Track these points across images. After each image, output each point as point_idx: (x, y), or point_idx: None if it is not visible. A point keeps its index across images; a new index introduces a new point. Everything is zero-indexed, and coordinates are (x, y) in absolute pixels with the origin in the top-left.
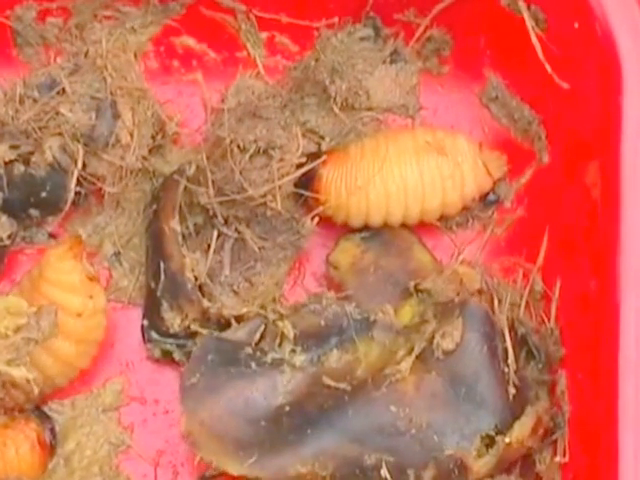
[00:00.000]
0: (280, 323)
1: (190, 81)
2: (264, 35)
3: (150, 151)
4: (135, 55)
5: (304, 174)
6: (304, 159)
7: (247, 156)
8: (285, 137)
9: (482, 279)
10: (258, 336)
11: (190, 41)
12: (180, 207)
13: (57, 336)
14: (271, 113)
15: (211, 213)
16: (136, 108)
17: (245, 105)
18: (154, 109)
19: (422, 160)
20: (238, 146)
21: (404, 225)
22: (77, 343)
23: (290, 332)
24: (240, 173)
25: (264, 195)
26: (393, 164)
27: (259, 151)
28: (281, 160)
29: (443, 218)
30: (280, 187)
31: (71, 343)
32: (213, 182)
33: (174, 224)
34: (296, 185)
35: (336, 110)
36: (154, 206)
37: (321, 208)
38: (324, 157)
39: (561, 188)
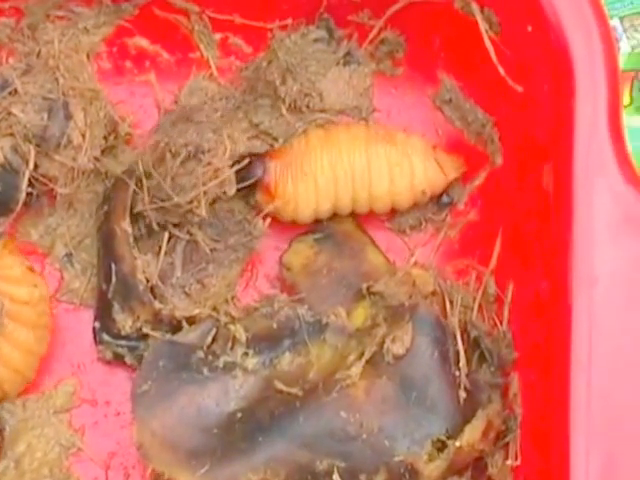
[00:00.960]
0: (232, 326)
1: (143, 82)
2: (217, 36)
3: (102, 152)
4: (88, 56)
5: (250, 172)
6: (245, 160)
7: (178, 161)
8: (214, 140)
9: (435, 281)
10: (210, 339)
11: (143, 42)
12: (131, 208)
13: (13, 325)
14: (203, 116)
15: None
16: (88, 109)
17: (180, 108)
18: (106, 110)
19: (371, 148)
20: (170, 151)
21: (355, 216)
22: (33, 329)
23: (242, 335)
24: (172, 179)
25: (191, 201)
26: (342, 151)
27: (190, 156)
28: (208, 164)
29: (396, 212)
30: (206, 193)
31: (28, 330)
32: (148, 188)
33: (125, 225)
34: (244, 185)
35: (284, 111)
36: (105, 207)
37: (272, 206)
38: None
39: (514, 190)
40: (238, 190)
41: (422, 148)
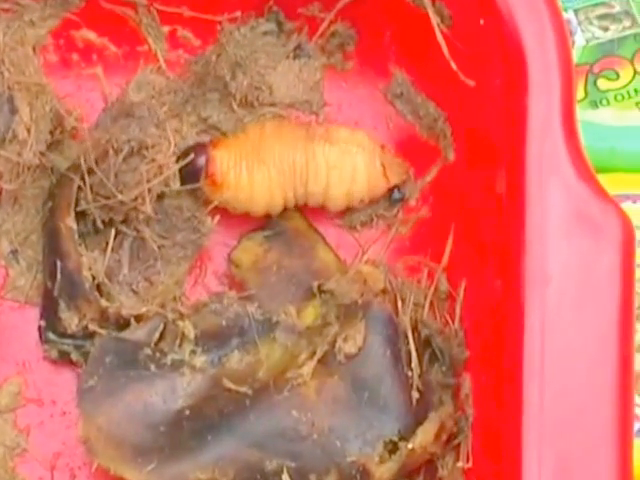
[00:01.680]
0: (180, 323)
1: (90, 75)
2: (166, 29)
3: (48, 147)
4: (34, 49)
5: (192, 162)
6: (188, 155)
7: (121, 157)
8: (158, 136)
9: (386, 279)
10: (157, 336)
11: (90, 35)
12: (77, 205)
13: None
14: (145, 111)
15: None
16: (34, 103)
17: (120, 103)
18: (53, 104)
19: (309, 146)
20: (113, 147)
21: (305, 213)
22: None
23: (190, 332)
24: (116, 175)
25: (135, 199)
26: (288, 145)
27: (132, 152)
28: (152, 161)
29: (347, 209)
30: (150, 190)
31: None
32: (92, 185)
33: (70, 222)
34: (186, 179)
35: (235, 107)
36: (49, 203)
37: (222, 197)
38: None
39: (467, 186)
40: (184, 185)
41: (368, 148)
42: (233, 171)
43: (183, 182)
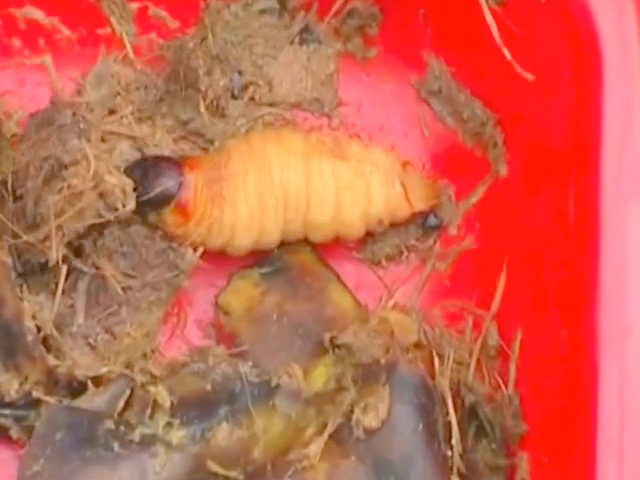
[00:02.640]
0: (152, 388)
1: (36, 66)
2: (134, 6)
3: None
4: None
5: (161, 185)
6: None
7: (40, 180)
8: (79, 151)
9: (419, 329)
10: (122, 404)
11: (36, 13)
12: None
13: None
14: (67, 117)
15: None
16: None
17: (48, 106)
18: None
19: (311, 163)
20: (33, 165)
21: (309, 243)
22: None
23: (165, 400)
24: (35, 203)
25: (44, 239)
26: (273, 168)
27: (54, 171)
28: (67, 188)
29: (367, 238)
30: (61, 227)
31: None
32: (10, 214)
33: (2, 256)
34: (149, 203)
35: (202, 109)
36: None
37: (183, 229)
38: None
39: (523, 210)
40: (144, 209)
41: (385, 167)
42: (200, 202)
43: (141, 206)
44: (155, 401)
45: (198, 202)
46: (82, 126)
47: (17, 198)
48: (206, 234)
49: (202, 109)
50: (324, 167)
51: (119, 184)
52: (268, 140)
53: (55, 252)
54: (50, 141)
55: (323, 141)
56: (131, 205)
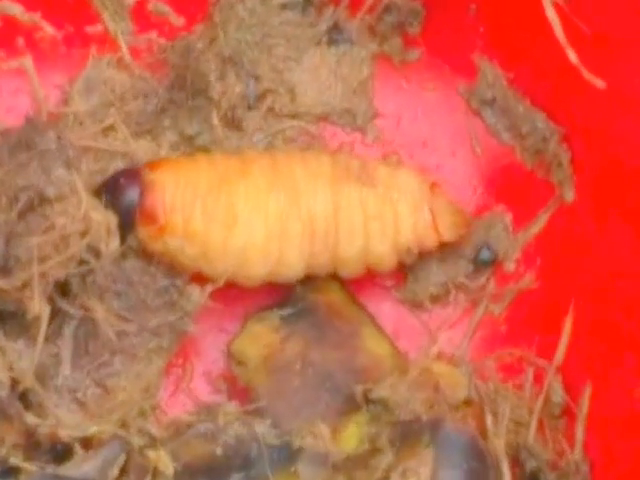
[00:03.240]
0: (152, 453)
1: (14, 71)
2: (130, 0)
3: None
4: None
5: (119, 195)
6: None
7: (14, 213)
8: (66, 183)
9: (470, 383)
10: (116, 472)
11: (14, 9)
12: None
13: None
14: (51, 142)
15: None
16: None
17: (21, 129)
18: None
19: (340, 191)
20: (7, 193)
21: (343, 280)
22: None
23: (168, 467)
24: (8, 240)
25: (23, 286)
26: (300, 193)
27: (33, 204)
28: (50, 228)
29: (408, 275)
30: (44, 276)
31: None
32: None
33: None
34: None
35: (215, 122)
36: None
37: (160, 248)
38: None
39: (592, 241)
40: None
41: (414, 192)
42: (181, 211)
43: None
44: (156, 469)
45: (170, 204)
46: (71, 154)
47: None
48: (202, 256)
49: (215, 121)
50: (352, 195)
51: (104, 221)
52: (294, 160)
53: (38, 304)
54: (30, 168)
55: (350, 165)
56: (115, 244)
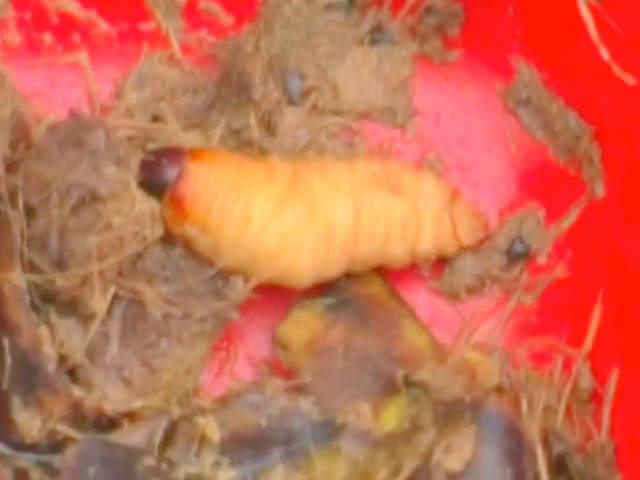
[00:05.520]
0: (201, 419)
1: (69, 65)
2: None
3: (8, 168)
4: None
5: (156, 172)
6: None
7: (67, 208)
8: (118, 182)
9: (502, 371)
10: (161, 436)
11: (71, 6)
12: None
13: None
14: (100, 140)
15: None
16: None
17: (68, 124)
18: (14, 105)
19: (362, 201)
20: (58, 189)
21: (384, 272)
22: None
23: (215, 433)
24: (61, 233)
25: (82, 284)
26: (317, 205)
27: (84, 201)
28: (106, 227)
29: (444, 267)
30: (103, 274)
31: None
32: (29, 240)
33: (15, 279)
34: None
35: (252, 122)
36: None
37: (180, 231)
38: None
39: (622, 235)
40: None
41: (437, 201)
42: (203, 200)
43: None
44: (203, 435)
45: (198, 199)
46: (121, 153)
47: (29, 218)
48: (212, 249)
49: (252, 121)
50: (375, 203)
51: (149, 210)
52: (313, 170)
53: (98, 301)
54: (80, 166)
55: (373, 171)
56: (159, 231)
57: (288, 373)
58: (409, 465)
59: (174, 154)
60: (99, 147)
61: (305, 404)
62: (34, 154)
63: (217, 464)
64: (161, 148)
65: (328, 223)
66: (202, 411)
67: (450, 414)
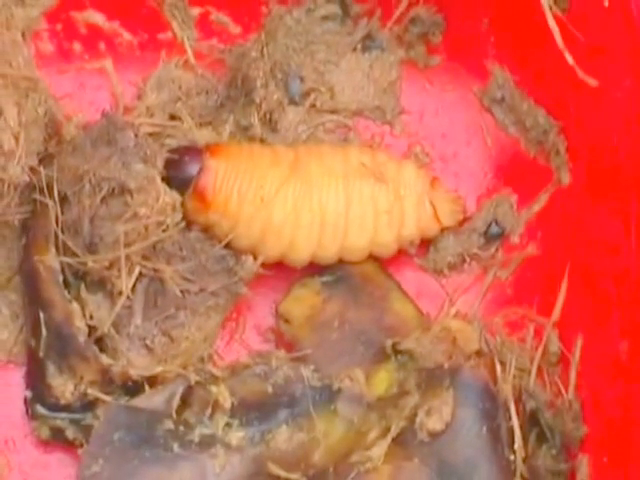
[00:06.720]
0: (214, 387)
1: (96, 70)
2: (196, 11)
3: (41, 161)
4: (23, 34)
5: (180, 170)
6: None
7: (98, 198)
8: (144, 177)
9: (481, 338)
10: (179, 401)
11: (97, 17)
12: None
13: None
14: (129, 140)
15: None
16: (23, 104)
17: (104, 121)
18: (47, 105)
19: (352, 187)
20: (91, 182)
21: (368, 263)
22: None
23: (226, 399)
24: (92, 220)
25: (110, 266)
26: (313, 188)
27: (113, 193)
28: (134, 216)
29: (429, 246)
30: (130, 258)
31: None
32: (63, 226)
33: (50, 260)
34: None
35: (254, 121)
36: (24, 239)
37: (206, 218)
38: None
39: (586, 218)
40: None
41: (417, 186)
42: (225, 193)
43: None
44: (216, 401)
45: (219, 190)
46: (148, 151)
47: (63, 206)
48: (230, 231)
49: (255, 120)
50: (364, 191)
51: (171, 201)
52: (312, 156)
53: (125, 283)
54: (111, 162)
55: (363, 161)
56: (178, 218)
57: (291, 344)
58: (397, 425)
59: (195, 152)
60: (128, 145)
61: (306, 372)
62: (69, 150)
63: (228, 426)
64: (182, 147)
65: (321, 204)
66: (215, 380)
67: (431, 380)
